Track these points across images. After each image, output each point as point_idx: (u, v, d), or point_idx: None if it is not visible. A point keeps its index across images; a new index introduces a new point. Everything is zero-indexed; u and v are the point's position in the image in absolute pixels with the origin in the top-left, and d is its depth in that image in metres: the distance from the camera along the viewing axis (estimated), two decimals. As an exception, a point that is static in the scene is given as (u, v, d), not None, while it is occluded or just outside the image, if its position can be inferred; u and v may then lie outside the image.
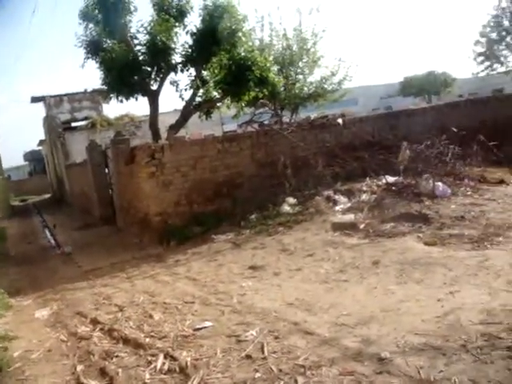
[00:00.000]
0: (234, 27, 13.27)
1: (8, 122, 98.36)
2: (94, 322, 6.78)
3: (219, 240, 10.42)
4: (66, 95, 31.51)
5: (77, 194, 24.36)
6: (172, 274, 8.92)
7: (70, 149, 28.46)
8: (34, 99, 32.17)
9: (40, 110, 33.64)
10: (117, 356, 5.44)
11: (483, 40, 40.13)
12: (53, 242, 15.71)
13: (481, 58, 40.56)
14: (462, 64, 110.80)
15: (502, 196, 10.29)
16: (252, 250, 9.35)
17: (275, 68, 17.14)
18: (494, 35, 39.55)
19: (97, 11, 13.47)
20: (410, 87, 42.53)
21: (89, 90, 30.86)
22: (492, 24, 39.28)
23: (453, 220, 8.87)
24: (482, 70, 41.13)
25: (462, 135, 12.09)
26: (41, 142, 39.92)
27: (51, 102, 31.15)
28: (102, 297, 8.11)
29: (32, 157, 55.38)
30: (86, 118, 31.08)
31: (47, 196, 38.80)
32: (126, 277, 9.29)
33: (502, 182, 11.80)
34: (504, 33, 38.74)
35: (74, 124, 31.23)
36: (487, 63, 40.58)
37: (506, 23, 38.36)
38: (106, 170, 16.91)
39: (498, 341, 4.30)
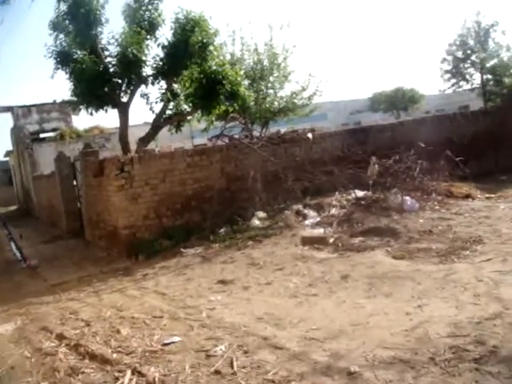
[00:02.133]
0: (205, 41, 13.24)
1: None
2: (60, 337, 6.64)
3: (188, 254, 10.35)
4: (34, 106, 31.13)
5: (44, 206, 23.99)
6: (140, 288, 8.80)
7: (38, 160, 28.06)
8: (2, 109, 31.67)
9: (7, 120, 33.14)
10: (83, 372, 5.33)
11: (449, 58, 40.91)
12: (19, 255, 15.40)
13: (447, 76, 41.31)
14: (429, 81, 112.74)
15: (469, 210, 10.55)
16: (221, 264, 9.31)
17: (246, 82, 17.17)
18: (459, 54, 40.42)
19: (67, 22, 13.32)
20: (378, 103, 43.17)
21: (58, 101, 30.49)
22: (458, 43, 40.13)
23: (421, 234, 9.03)
24: (449, 87, 41.91)
25: (430, 150, 12.29)
26: (8, 153, 39.29)
27: (19, 113, 30.74)
28: (69, 311, 7.95)
29: (-3, 167, 54.35)
30: (54, 130, 30.70)
31: (13, 208, 38.10)
32: (94, 291, 9.13)
33: (468, 196, 12.07)
34: (469, 51, 39.62)
35: (42, 135, 30.81)
36: (453, 80, 41.36)
37: (471, 42, 39.25)
38: (75, 183, 16.71)
39: (465, 353, 4.35)
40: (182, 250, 10.58)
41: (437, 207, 11.04)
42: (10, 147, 36.95)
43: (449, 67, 40.75)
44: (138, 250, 10.97)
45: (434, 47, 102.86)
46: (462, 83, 40.95)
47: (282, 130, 15.79)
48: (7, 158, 42.92)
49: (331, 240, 9.38)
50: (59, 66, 13.65)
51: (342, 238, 9.48)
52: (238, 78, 13.93)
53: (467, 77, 40.41)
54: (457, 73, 40.32)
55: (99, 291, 9.05)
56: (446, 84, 41.42)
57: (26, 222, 25.89)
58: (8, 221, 27.94)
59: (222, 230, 11.13)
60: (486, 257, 7.29)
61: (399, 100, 41.95)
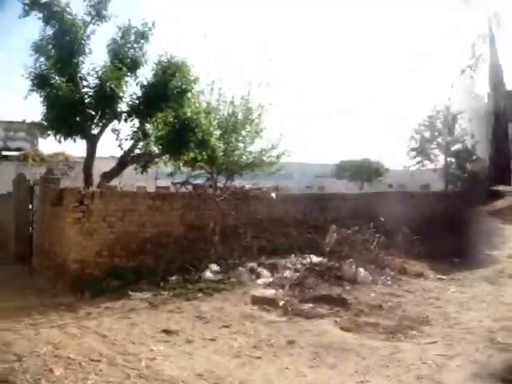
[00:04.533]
0: (184, 87, 13.36)
1: None
2: (-14, 370, 6.33)
3: (136, 297, 10.15)
4: (1, 122, 30.58)
5: (-6, 225, 23.29)
6: (81, 326, 8.56)
7: (-4, 178, 27.36)
8: (-34, 120, 31.07)
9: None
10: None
11: (417, 137, 42.24)
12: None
13: (413, 153, 42.56)
14: (394, 156, 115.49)
15: (420, 289, 10.73)
16: (168, 312, 9.16)
17: (218, 132, 17.32)
18: (427, 134, 41.78)
19: (51, 46, 13.33)
20: (344, 171, 43.98)
21: (28, 121, 30.07)
22: (426, 123, 41.55)
23: (370, 308, 9.11)
24: (414, 165, 43.10)
25: (389, 225, 12.50)
26: (-35, 166, 38.29)
27: (-16, 127, 30.17)
28: (1, 342, 7.62)
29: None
30: (18, 149, 30.10)
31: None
32: (32, 323, 8.82)
33: (420, 275, 12.24)
34: (436, 133, 41.03)
35: (4, 153, 30.16)
36: (418, 159, 42.59)
37: (439, 125, 40.68)
38: (30, 206, 16.33)
39: None
40: (129, 292, 10.37)
41: (389, 282, 11.19)
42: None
43: (415, 145, 42.06)
44: (85, 287, 10.69)
45: (403, 125, 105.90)
46: (426, 162, 42.21)
47: (247, 185, 15.85)
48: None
49: (281, 303, 9.35)
50: (35, 88, 13.52)
51: (292, 301, 9.46)
52: (211, 128, 14.08)
53: (432, 157, 41.73)
54: (422, 152, 41.61)
55: (37, 324, 8.76)
56: (410, 161, 42.69)
57: (-29, 239, 25.03)
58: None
59: (174, 278, 10.98)
60: (432, 339, 7.38)
61: (364, 171, 42.87)
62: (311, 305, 9.31)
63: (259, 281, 10.91)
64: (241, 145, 19.46)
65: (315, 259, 11.82)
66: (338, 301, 9.44)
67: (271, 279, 10.97)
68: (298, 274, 11.10)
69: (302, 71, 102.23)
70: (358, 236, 12.16)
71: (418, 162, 42.56)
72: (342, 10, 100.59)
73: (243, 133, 19.22)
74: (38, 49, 13.38)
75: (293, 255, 12.07)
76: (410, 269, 12.46)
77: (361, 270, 11.19)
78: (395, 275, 11.73)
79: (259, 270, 11.39)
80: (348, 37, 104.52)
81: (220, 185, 17.94)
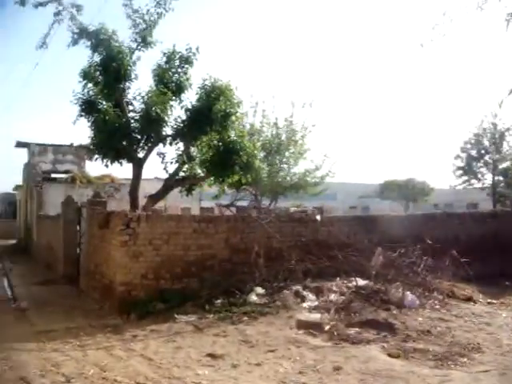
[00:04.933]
0: (228, 110, 13.49)
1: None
2: (37, 390, 6.45)
3: (181, 320, 10.17)
4: (51, 145, 31.39)
5: (43, 246, 23.86)
6: (127, 349, 8.62)
7: (45, 199, 28.08)
8: (19, 144, 32.03)
9: (23, 155, 33.44)
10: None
11: (463, 155, 41.57)
12: (9, 293, 15.20)
13: (459, 172, 41.87)
14: (440, 174, 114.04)
15: (469, 314, 10.44)
16: (213, 336, 9.14)
17: (261, 154, 17.41)
18: (473, 152, 41.06)
19: (98, 73, 13.75)
20: (389, 191, 43.57)
21: (75, 144, 30.79)
22: (473, 141, 40.86)
23: (419, 333, 8.91)
24: (460, 184, 42.39)
25: (436, 247, 12.26)
26: (17, 187, 39.45)
27: (35, 150, 30.98)
28: (51, 363, 7.78)
29: (4, 199, 54.59)
30: (66, 172, 30.85)
31: (12, 242, 37.95)
32: (79, 345, 8.95)
33: (469, 299, 11.93)
34: (483, 151, 40.27)
35: (54, 175, 30.94)
36: (465, 178, 41.87)
37: (486, 143, 39.93)
38: (78, 228, 16.66)
39: None
40: (175, 315, 10.39)
41: (437, 307, 10.96)
42: (19, 181, 37.11)
43: (462, 164, 41.39)
44: (131, 309, 10.78)
45: (449, 143, 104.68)
46: (473, 181, 41.46)
47: (292, 208, 15.82)
48: (15, 192, 43.10)
49: (327, 327, 9.24)
50: (83, 114, 13.93)
51: (338, 326, 9.33)
52: (255, 151, 14.13)
53: (479, 176, 40.95)
54: (469, 170, 40.91)
55: (85, 346, 8.87)
56: (457, 180, 41.99)
57: (22, 258, 25.70)
58: (4, 255, 27.79)
59: (219, 301, 10.97)
60: (484, 367, 7.18)
61: (410, 191, 42.34)
62: (357, 329, 9.16)
63: (304, 304, 10.80)
64: (285, 166, 19.55)
65: (361, 282, 11.66)
66: (384, 325, 9.28)
67: (316, 303, 10.86)
68: (343, 297, 10.98)
69: (346, 91, 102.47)
70: (405, 259, 11.95)
71: (464, 181, 41.86)
72: (388, 29, 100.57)
73: (287, 154, 19.32)
74: (86, 75, 13.78)
75: (338, 278, 11.94)
76: (459, 292, 12.17)
77: (408, 293, 10.97)
78: (443, 299, 11.48)
79: (304, 293, 11.29)
80: (394, 56, 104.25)
81: (264, 206, 17.99)
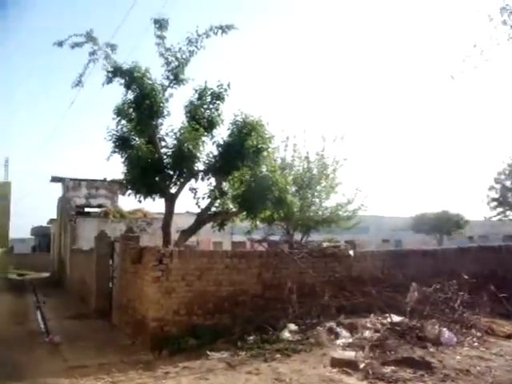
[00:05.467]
0: (260, 146, 13.50)
1: (23, 196, 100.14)
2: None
3: (213, 357, 10.06)
4: (84, 180, 32.00)
5: (76, 280, 24.10)
6: (159, 386, 8.58)
7: (79, 233, 28.49)
8: (54, 179, 32.70)
9: (57, 189, 34.11)
10: None
11: (497, 186, 41.10)
12: (42, 326, 15.34)
13: (494, 204, 41.35)
14: (474, 206, 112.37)
15: (510, 352, 10.08)
16: (246, 374, 9.00)
17: (293, 188, 17.39)
18: (508, 183, 40.53)
19: (131, 110, 13.95)
20: (422, 224, 42.95)
21: (108, 178, 31.32)
22: (507, 172, 40.36)
23: (457, 373, 8.66)
24: (495, 216, 41.80)
25: (472, 282, 12.00)
26: (51, 221, 40.13)
27: (69, 185, 31.60)
28: (84, 401, 7.79)
29: (38, 232, 55.59)
30: (100, 206, 31.35)
31: (46, 275, 38.47)
32: (111, 381, 8.99)
33: (510, 336, 11.55)
34: (518, 182, 39.74)
35: (87, 209, 31.47)
36: (500, 209, 41.31)
37: (521, 173, 39.42)
38: (111, 262, 16.80)
39: None
40: (207, 352, 10.29)
41: (476, 344, 10.64)
42: (54, 215, 37.76)
43: (496, 195, 40.88)
44: (163, 345, 10.74)
45: (483, 174, 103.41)
46: (508, 212, 40.82)
47: (323, 241, 15.69)
48: (49, 225, 43.83)
49: (362, 365, 9.04)
50: (116, 150, 14.13)
51: (373, 364, 9.12)
52: (287, 186, 14.11)
53: (514, 206, 40.29)
54: (504, 201, 40.34)
55: (117, 382, 8.92)
56: (491, 212, 41.43)
57: (55, 291, 26.01)
58: (38, 287, 28.16)
59: (251, 338, 10.85)
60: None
61: (443, 224, 41.72)
62: (393, 368, 8.93)
63: (338, 341, 10.61)
64: (316, 200, 19.49)
65: (396, 319, 11.42)
66: (421, 364, 9.02)
67: (350, 340, 10.66)
68: (378, 334, 10.76)
69: (379, 123, 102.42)
70: (440, 294, 11.70)
71: (499, 213, 41.25)
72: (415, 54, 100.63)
73: (318, 188, 19.30)
74: (120, 112, 14.02)
75: (372, 315, 11.72)
76: (498, 329, 11.78)
77: (445, 330, 10.71)
78: (482, 336, 11.14)
79: (338, 330, 11.11)
80: (424, 87, 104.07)
81: (296, 240, 17.90)
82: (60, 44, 13.58)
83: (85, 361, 10.34)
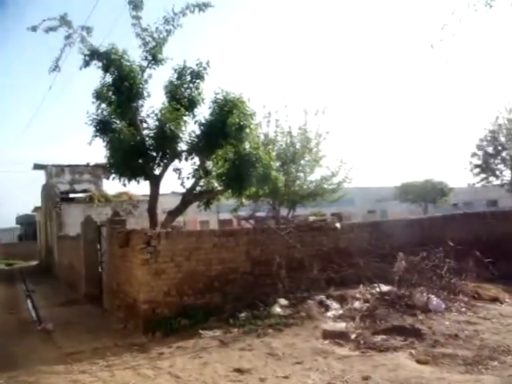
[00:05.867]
0: (242, 123, 13.41)
1: (6, 184, 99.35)
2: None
3: (206, 336, 10.12)
4: (68, 166, 31.69)
5: (65, 266, 24.05)
6: (154, 367, 8.64)
7: (65, 220, 28.34)
8: (36, 166, 32.38)
9: (40, 176, 33.83)
10: None
11: (480, 153, 41.35)
12: (34, 315, 15.32)
13: (477, 170, 41.64)
14: (457, 173, 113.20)
15: (497, 315, 10.30)
16: (239, 350, 9.08)
17: (277, 164, 17.38)
18: (490, 149, 40.80)
19: (111, 93, 13.81)
20: (406, 193, 43.20)
21: (91, 163, 31.12)
22: (488, 138, 40.60)
23: (446, 338, 8.80)
24: (478, 182, 42.13)
25: (458, 249, 12.15)
26: (36, 209, 39.87)
27: (52, 171, 31.30)
28: (80, 386, 7.82)
29: (24, 221, 55.30)
30: (84, 191, 31.14)
31: (34, 263, 38.33)
32: (106, 365, 8.99)
33: (496, 299, 11.75)
34: (500, 147, 40.02)
35: (72, 195, 31.23)
36: (483, 175, 41.62)
37: (502, 139, 39.69)
38: (98, 247, 16.77)
39: None
40: (200, 331, 10.35)
41: (463, 309, 10.80)
42: (38, 203, 37.50)
43: (479, 162, 41.15)
44: (156, 327, 10.78)
45: (465, 141, 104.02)
46: (491, 178, 41.18)
47: (309, 215, 15.75)
48: (34, 213, 43.56)
49: (353, 336, 9.18)
50: (98, 134, 14.01)
51: (364, 334, 9.26)
52: (271, 162, 14.10)
53: (497, 172, 40.67)
54: (486, 168, 40.65)
55: (112, 366, 8.92)
56: (475, 178, 41.75)
57: (44, 279, 25.96)
58: (27, 276, 28.11)
59: (243, 315, 10.89)
60: (516, 370, 7.04)
61: (428, 192, 41.99)
62: (384, 336, 9.06)
63: (329, 313, 10.71)
64: (301, 174, 19.52)
65: (384, 288, 11.54)
66: (411, 331, 9.16)
67: (341, 311, 10.77)
68: (368, 304, 10.88)
69: (359, 94, 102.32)
70: (427, 262, 11.83)
71: (482, 179, 41.57)
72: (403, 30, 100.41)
73: (302, 162, 19.30)
74: (99, 96, 13.87)
75: (361, 285, 11.83)
76: (485, 293, 11.96)
77: (433, 297, 10.86)
78: (469, 301, 11.32)
79: (328, 302, 11.20)
80: (406, 56, 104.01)
81: (282, 215, 17.95)
82: (34, 29, 13.33)
83: (79, 347, 10.36)
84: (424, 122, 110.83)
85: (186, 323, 10.86)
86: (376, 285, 11.66)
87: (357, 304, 11.00)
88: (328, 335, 9.30)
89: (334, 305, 11.10)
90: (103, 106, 14.09)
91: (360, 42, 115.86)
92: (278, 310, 11.04)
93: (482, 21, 9.54)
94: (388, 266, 12.04)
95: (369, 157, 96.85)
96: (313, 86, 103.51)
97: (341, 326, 9.77)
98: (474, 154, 41.52)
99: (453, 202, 45.22)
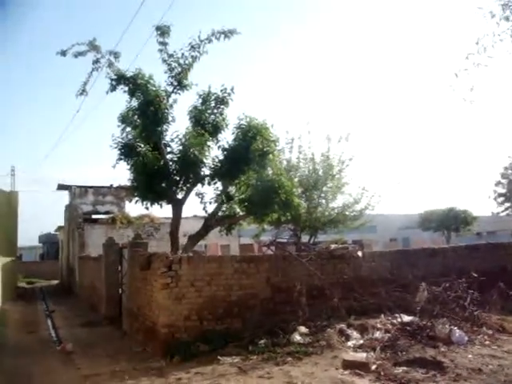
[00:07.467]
0: (265, 149, 13.52)
1: (30, 203, 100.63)
2: None
3: (225, 362, 10.04)
4: (91, 187, 32.16)
5: (85, 286, 24.21)
6: (172, 393, 8.61)
7: (87, 240, 28.66)
8: (61, 187, 32.89)
9: (64, 197, 34.31)
10: None
11: (504, 181, 40.96)
12: (54, 335, 15.41)
13: (501, 199, 41.22)
14: (481, 202, 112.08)
15: (522, 350, 10.01)
16: (258, 378, 8.98)
17: (299, 190, 17.36)
18: (514, 178, 40.37)
19: (136, 117, 13.97)
20: (429, 221, 42.76)
21: (114, 185, 31.45)
22: (513, 166, 40.19)
23: (469, 372, 8.60)
24: (503, 211, 41.67)
25: (481, 280, 11.97)
26: (59, 228, 40.32)
27: (76, 192, 31.76)
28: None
29: (46, 240, 55.86)
30: (107, 212, 31.49)
31: (55, 282, 38.62)
32: (124, 389, 8.98)
33: (521, 333, 11.49)
34: (525, 176, 39.60)
35: (94, 216, 31.61)
36: (507, 204, 41.17)
37: (528, 167, 39.28)
38: (119, 269, 16.86)
39: None
40: (219, 357, 10.27)
41: (487, 342, 10.56)
42: (61, 223, 37.92)
43: (503, 190, 40.72)
44: (175, 351, 10.73)
45: (489, 169, 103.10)
46: (516, 207, 40.65)
47: (331, 242, 15.66)
48: (57, 233, 43.98)
49: (373, 367, 9.02)
50: (122, 157, 14.14)
51: (385, 365, 9.10)
52: (293, 189, 14.09)
53: (522, 201, 40.15)
54: (511, 196, 40.15)
55: (130, 389, 8.90)
56: (499, 207, 41.28)
57: (65, 299, 26.16)
58: (48, 295, 28.31)
59: (262, 342, 10.81)
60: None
61: (451, 220, 41.54)
62: (405, 368, 8.89)
63: (349, 343, 10.57)
64: (323, 201, 19.45)
65: (406, 319, 11.38)
66: (433, 364, 8.99)
67: (361, 341, 10.62)
68: (388, 334, 10.72)
69: (384, 123, 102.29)
70: (450, 293, 11.67)
71: (507, 208, 41.10)
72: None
73: (324, 189, 19.23)
74: (125, 120, 14.07)
75: (382, 315, 11.71)
76: (510, 326, 11.71)
77: (455, 329, 10.66)
78: (493, 334, 11.07)
79: (348, 331, 11.07)
80: (429, 84, 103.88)
81: (303, 242, 17.86)
82: (63, 53, 13.59)
83: (98, 369, 10.40)
84: (448, 150, 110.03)
85: (205, 348, 10.81)
86: (397, 315, 11.52)
87: (378, 334, 10.85)
88: (348, 365, 9.16)
89: (355, 334, 10.96)
90: (128, 129, 14.26)
91: (385, 70, 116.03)
92: (297, 337, 10.93)
93: (507, 50, 9.51)
94: (410, 295, 11.92)
95: (392, 184, 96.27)
96: (336, 113, 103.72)
97: (361, 356, 9.60)
98: (498, 183, 41.18)
99: (476, 231, 44.64)
